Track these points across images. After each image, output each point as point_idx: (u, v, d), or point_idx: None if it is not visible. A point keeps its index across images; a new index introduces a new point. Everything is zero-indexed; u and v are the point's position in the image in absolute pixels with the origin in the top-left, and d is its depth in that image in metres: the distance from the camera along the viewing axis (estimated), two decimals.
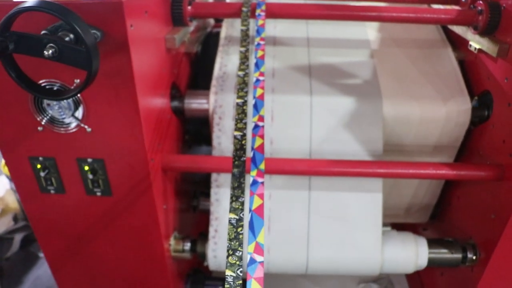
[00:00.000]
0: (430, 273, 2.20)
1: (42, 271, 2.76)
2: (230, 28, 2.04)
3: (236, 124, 1.08)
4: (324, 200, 1.75)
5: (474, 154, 1.79)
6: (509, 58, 1.52)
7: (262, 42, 1.36)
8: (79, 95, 1.29)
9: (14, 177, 1.51)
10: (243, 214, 0.87)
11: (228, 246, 0.80)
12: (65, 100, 1.31)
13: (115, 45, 1.20)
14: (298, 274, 1.76)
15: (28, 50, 1.07)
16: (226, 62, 1.87)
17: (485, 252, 1.67)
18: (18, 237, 2.97)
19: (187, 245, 1.80)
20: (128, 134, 1.37)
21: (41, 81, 1.27)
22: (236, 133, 1.06)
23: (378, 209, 1.74)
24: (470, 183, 1.82)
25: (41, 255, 2.87)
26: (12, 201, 3.18)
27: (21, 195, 1.55)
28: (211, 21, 2.28)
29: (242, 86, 1.21)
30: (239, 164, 1.00)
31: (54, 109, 1.33)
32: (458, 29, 1.80)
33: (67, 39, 1.10)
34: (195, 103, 1.81)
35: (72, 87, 1.27)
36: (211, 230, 1.75)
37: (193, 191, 2.14)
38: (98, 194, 1.50)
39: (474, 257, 1.73)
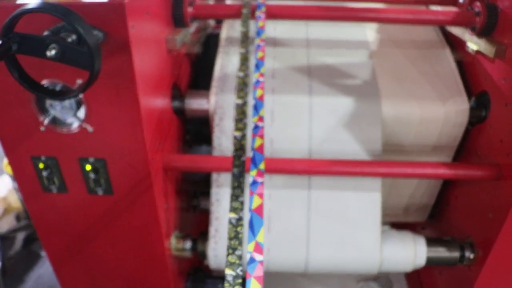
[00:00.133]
0: (429, 272, 2.21)
1: (44, 270, 2.77)
2: (230, 30, 2.05)
3: (236, 125, 1.09)
4: (324, 199, 1.76)
5: (472, 154, 1.80)
6: (506, 59, 1.53)
7: (262, 44, 1.36)
8: (81, 95, 1.31)
9: (16, 176, 1.52)
10: (243, 214, 0.88)
11: (228, 245, 0.81)
12: (67, 100, 1.33)
13: (117, 45, 1.21)
14: (298, 273, 1.77)
15: (31, 51, 1.08)
16: (226, 63, 1.88)
17: (483, 251, 1.68)
18: (20, 236, 2.99)
19: (188, 244, 1.81)
20: (130, 134, 1.38)
21: (43, 82, 1.28)
22: (236, 133, 1.07)
23: (377, 208, 1.75)
24: (468, 182, 1.83)
25: (43, 254, 2.88)
26: (15, 201, 3.20)
27: (23, 194, 1.56)
28: (212, 22, 2.29)
29: (242, 87, 1.22)
30: (239, 164, 1.01)
31: (57, 109, 1.34)
32: (456, 30, 1.82)
33: (69, 40, 1.11)
34: (195, 103, 1.82)
35: (74, 87, 1.28)
36: (212, 230, 1.76)
37: (194, 191, 2.15)
38: (100, 193, 1.51)
39: (472, 256, 1.74)
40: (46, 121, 1.37)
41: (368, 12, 1.70)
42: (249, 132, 1.07)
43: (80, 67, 1.09)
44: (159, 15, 1.50)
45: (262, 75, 1.22)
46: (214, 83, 1.81)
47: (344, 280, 2.46)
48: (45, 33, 1.13)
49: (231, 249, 0.80)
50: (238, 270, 0.77)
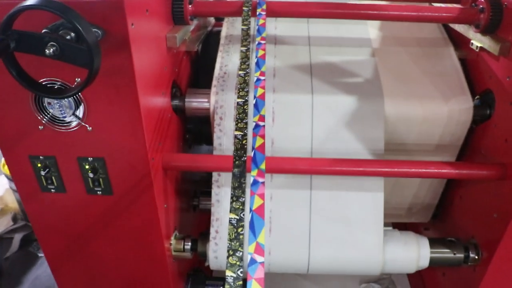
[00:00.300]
0: (432, 273, 2.20)
1: (41, 271, 2.75)
2: (230, 28, 2.04)
3: (236, 124, 1.08)
4: (326, 199, 1.74)
5: (476, 153, 1.78)
6: (511, 56, 1.52)
7: (263, 42, 1.35)
8: (80, 93, 1.29)
9: (14, 176, 1.50)
10: (243, 214, 0.87)
11: (228, 247, 0.80)
12: (66, 99, 1.31)
13: (116, 43, 1.20)
14: (299, 274, 1.76)
15: (29, 49, 1.07)
16: (226, 61, 1.87)
17: (487, 251, 1.66)
18: (17, 237, 2.98)
19: (188, 245, 1.79)
20: (129, 133, 1.36)
21: (42, 80, 1.27)
22: (237, 132, 1.06)
23: (379, 208, 1.73)
24: (472, 182, 1.81)
25: (41, 254, 2.86)
26: (12, 201, 3.18)
27: (21, 194, 1.54)
28: (212, 20, 2.27)
29: (243, 86, 1.20)
30: (240, 164, 0.99)
31: (55, 107, 1.32)
32: (459, 28, 1.80)
33: (68, 37, 1.10)
34: (195, 102, 1.80)
35: (73, 86, 1.26)
36: (212, 231, 1.75)
37: (194, 191, 2.14)
38: (99, 193, 1.49)
39: (476, 257, 1.72)
40: (44, 120, 1.35)
41: (370, 10, 1.69)
42: (249, 131, 1.05)
43: (79, 65, 1.08)
44: (159, 12, 1.49)
45: (263, 73, 1.21)
46: (215, 82, 1.79)
47: (346, 281, 2.45)
48: (44, 30, 1.11)
49: (232, 251, 0.79)
50: (239, 272, 0.76)
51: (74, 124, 1.36)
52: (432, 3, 1.95)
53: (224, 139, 1.76)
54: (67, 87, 1.27)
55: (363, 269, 1.77)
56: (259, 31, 1.42)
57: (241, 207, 0.89)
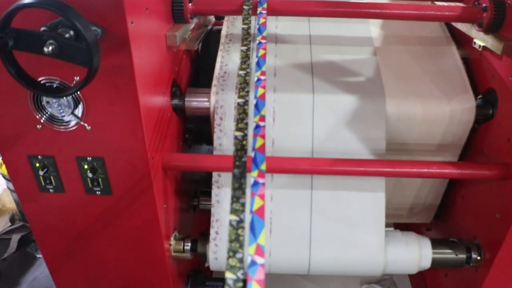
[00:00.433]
0: (434, 274, 2.19)
1: (39, 272, 2.75)
2: (231, 27, 2.03)
3: (237, 124, 1.07)
4: (327, 199, 1.73)
5: (479, 152, 1.77)
6: None
7: (263, 41, 1.34)
8: (78, 92, 1.28)
9: (12, 176, 1.49)
10: (243, 216, 0.86)
11: (228, 248, 0.79)
12: (64, 98, 1.30)
13: (116, 42, 1.19)
14: (300, 275, 1.75)
15: (27, 47, 1.06)
16: (227, 61, 1.86)
17: (490, 252, 1.65)
18: (15, 238, 2.97)
19: (188, 245, 1.78)
20: (129, 132, 1.35)
21: (40, 78, 1.25)
22: (237, 133, 1.05)
23: (380, 209, 1.72)
24: (475, 182, 1.80)
25: (39, 255, 2.85)
26: (9, 201, 3.18)
27: (19, 194, 1.53)
28: (212, 19, 2.26)
29: (243, 86, 1.19)
30: (240, 165, 0.98)
31: (54, 107, 1.31)
32: (462, 27, 1.79)
33: (67, 35, 1.09)
34: (195, 101, 1.79)
35: (72, 85, 1.25)
36: (212, 232, 1.74)
37: (194, 191, 2.13)
38: (98, 193, 1.48)
39: (478, 258, 1.71)
40: (43, 119, 1.34)
41: (372, 8, 1.68)
42: (250, 132, 1.04)
43: (78, 64, 1.07)
44: (158, 11, 1.48)
45: (263, 73, 1.20)
46: (215, 82, 1.78)
47: (347, 282, 2.45)
48: (42, 28, 1.10)
49: (232, 252, 0.78)
50: (239, 274, 0.75)
51: (73, 123, 1.34)
52: (435, 2, 1.94)
53: (224, 139, 1.75)
54: (66, 86, 1.26)
55: (364, 269, 1.76)
56: (259, 30, 1.41)
57: (241, 208, 0.87)
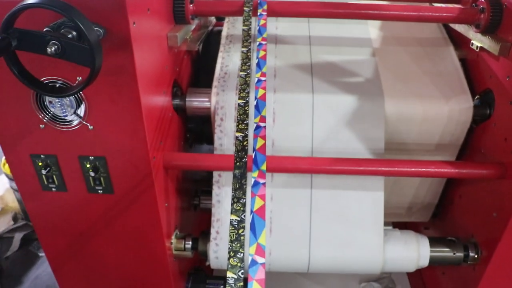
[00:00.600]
0: (432, 272, 2.20)
1: (41, 270, 2.76)
2: (231, 28, 2.04)
3: (237, 125, 1.08)
4: (326, 198, 1.74)
5: (476, 152, 1.79)
6: (510, 56, 1.52)
7: (264, 42, 1.35)
8: (81, 92, 1.29)
9: (15, 175, 1.50)
10: (244, 216, 0.87)
11: (229, 248, 0.80)
12: (67, 98, 1.31)
13: (118, 42, 1.20)
14: (299, 273, 1.76)
15: (31, 47, 1.07)
16: (227, 62, 1.87)
17: (487, 250, 1.66)
18: (17, 236, 2.98)
19: (189, 244, 1.79)
20: (130, 131, 1.36)
21: (43, 78, 1.27)
22: (238, 134, 1.06)
23: (379, 207, 1.74)
24: (472, 181, 1.82)
25: (41, 254, 2.86)
26: (12, 200, 3.18)
27: (22, 193, 1.54)
28: (213, 20, 2.27)
29: (243, 87, 1.20)
30: (241, 165, 0.99)
31: (56, 106, 1.33)
32: (460, 28, 1.80)
33: (70, 36, 1.10)
34: (196, 101, 1.80)
35: (74, 85, 1.26)
36: (213, 232, 1.75)
37: (194, 190, 2.14)
38: (100, 192, 1.50)
39: (476, 256, 1.73)
40: (45, 119, 1.35)
41: (371, 9, 1.69)
42: (250, 133, 1.05)
43: (81, 64, 1.08)
44: (160, 11, 1.49)
45: (264, 74, 1.21)
46: (215, 83, 1.79)
47: (346, 280, 2.46)
48: (45, 29, 1.11)
49: (233, 252, 0.79)
50: (240, 273, 0.76)
51: (75, 123, 1.36)
52: (433, 3, 1.95)
53: (225, 140, 1.76)
54: (69, 85, 1.27)
55: (363, 268, 1.77)
56: (260, 32, 1.42)
57: (242, 208, 0.89)
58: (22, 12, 1.02)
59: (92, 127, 1.36)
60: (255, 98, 1.13)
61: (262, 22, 1.49)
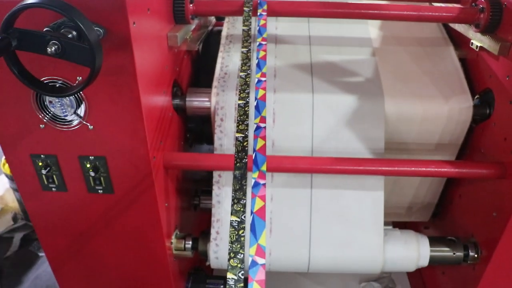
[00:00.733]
0: (432, 271, 2.20)
1: (41, 270, 2.76)
2: (231, 28, 2.04)
3: (237, 126, 1.08)
4: (326, 198, 1.74)
5: (476, 152, 1.79)
6: (510, 56, 1.52)
7: (264, 43, 1.35)
8: (81, 92, 1.29)
9: (15, 175, 1.50)
10: (244, 217, 0.87)
11: (229, 249, 0.80)
12: (67, 98, 1.31)
13: (118, 42, 1.20)
14: (299, 273, 1.76)
15: (31, 47, 1.07)
16: (227, 62, 1.87)
17: (486, 250, 1.66)
18: (17, 237, 2.98)
19: (189, 244, 1.79)
20: (130, 131, 1.36)
21: (43, 78, 1.27)
22: (238, 134, 1.06)
23: (379, 207, 1.74)
24: (472, 181, 1.82)
25: (41, 254, 2.87)
26: (12, 200, 3.18)
27: (22, 193, 1.54)
28: (213, 19, 2.27)
29: (244, 87, 1.20)
30: (241, 166, 0.99)
31: (56, 106, 1.33)
32: (459, 27, 1.80)
33: (70, 36, 1.10)
34: (196, 101, 1.80)
35: (75, 85, 1.26)
36: (213, 232, 1.75)
37: (194, 190, 2.14)
38: (100, 192, 1.50)
39: (476, 255, 1.73)
40: (45, 119, 1.35)
41: (371, 9, 1.69)
42: (251, 133, 1.05)
43: (81, 64, 1.08)
44: (160, 11, 1.49)
45: (264, 75, 1.21)
46: (215, 83, 1.79)
47: (346, 280, 2.46)
48: (45, 29, 1.12)
49: (233, 253, 0.79)
50: (240, 274, 0.76)
51: (75, 122, 1.36)
52: (432, 3, 1.95)
53: (225, 140, 1.76)
54: (69, 85, 1.27)
55: (363, 267, 1.77)
56: (260, 32, 1.42)
57: (242, 209, 0.89)
58: (22, 12, 1.02)
59: (92, 127, 1.36)
60: (255, 98, 1.13)
61: (262, 22, 1.49)
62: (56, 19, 1.13)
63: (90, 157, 1.42)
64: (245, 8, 1.62)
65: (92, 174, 1.44)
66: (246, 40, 1.41)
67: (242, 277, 0.75)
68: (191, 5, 1.64)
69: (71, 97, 1.31)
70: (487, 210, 1.65)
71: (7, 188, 3.17)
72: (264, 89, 1.16)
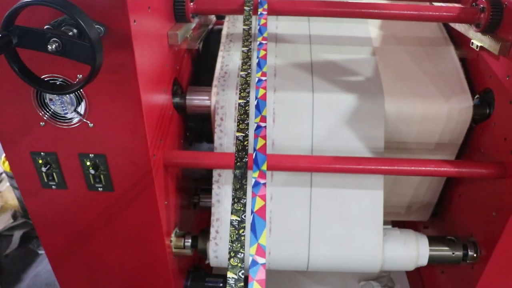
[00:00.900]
0: (431, 271, 2.20)
1: (41, 268, 2.76)
2: (231, 27, 2.04)
3: (238, 125, 1.08)
4: (326, 197, 1.75)
5: (476, 151, 1.79)
6: (510, 56, 1.52)
7: (264, 42, 1.35)
8: (81, 90, 1.29)
9: (15, 172, 1.50)
10: (245, 216, 0.87)
11: (229, 248, 0.80)
12: (67, 95, 1.31)
13: (118, 40, 1.20)
14: (299, 271, 1.77)
15: (31, 45, 1.07)
16: (227, 61, 1.87)
17: (486, 249, 1.67)
18: (17, 234, 2.98)
19: (188, 242, 1.79)
20: (130, 129, 1.36)
21: (44, 76, 1.27)
22: (238, 134, 1.06)
23: (379, 206, 1.74)
24: (471, 181, 1.82)
25: (40, 252, 2.87)
26: (12, 198, 3.19)
27: (22, 190, 1.54)
28: (213, 18, 2.28)
29: (244, 87, 1.20)
30: (241, 165, 0.99)
31: (57, 104, 1.33)
32: (460, 27, 1.80)
33: (70, 33, 1.10)
34: (196, 100, 1.81)
35: (75, 82, 1.27)
36: (212, 231, 1.75)
37: (194, 188, 2.14)
38: (100, 189, 1.50)
39: (475, 255, 1.73)
40: (46, 116, 1.35)
41: (371, 8, 1.69)
42: (251, 132, 1.05)
43: (81, 62, 1.08)
44: (160, 10, 1.49)
45: (264, 74, 1.21)
46: (215, 82, 1.79)
47: (345, 279, 2.46)
48: (46, 26, 1.12)
49: (233, 252, 0.79)
50: (240, 273, 0.76)
51: (75, 120, 1.36)
52: (433, 3, 1.95)
53: (225, 139, 1.76)
54: (69, 83, 1.28)
55: (362, 266, 1.77)
56: (260, 31, 1.42)
57: (242, 208, 0.89)
58: (23, 10, 1.02)
59: (92, 124, 1.36)
60: (256, 98, 1.13)
61: (262, 21, 1.49)
62: (56, 17, 1.13)
63: (90, 155, 1.42)
64: (245, 7, 1.61)
65: (92, 172, 1.44)
66: (247, 39, 1.41)
67: (242, 276, 0.75)
68: (191, 3, 1.64)
69: (71, 95, 1.31)
70: (486, 210, 1.65)
71: (7, 186, 3.18)
72: (265, 88, 1.16)
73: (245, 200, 0.90)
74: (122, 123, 1.35)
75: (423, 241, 1.79)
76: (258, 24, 1.47)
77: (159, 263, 1.71)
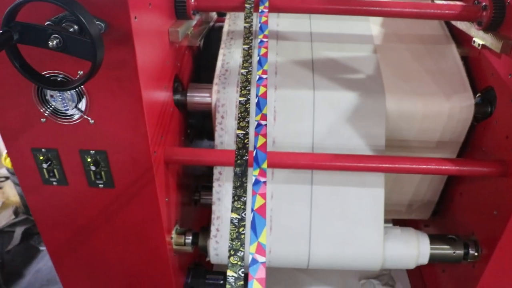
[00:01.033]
0: (432, 269, 2.20)
1: (42, 264, 2.77)
2: (232, 24, 2.04)
3: (238, 123, 1.08)
4: (326, 195, 1.75)
5: (477, 150, 1.79)
6: None
7: (265, 40, 1.35)
8: (82, 86, 1.29)
9: (16, 169, 1.50)
10: (245, 214, 0.87)
11: (229, 247, 0.79)
12: (68, 92, 1.31)
13: (119, 36, 1.20)
14: (299, 269, 1.76)
15: (32, 41, 1.07)
16: (228, 59, 1.87)
17: (487, 248, 1.66)
18: (19, 230, 2.99)
19: (189, 239, 1.79)
20: (131, 126, 1.36)
21: (45, 72, 1.27)
22: (239, 132, 1.06)
23: (380, 204, 1.74)
24: (473, 179, 1.82)
25: (42, 248, 2.88)
26: (13, 194, 3.19)
27: (23, 187, 1.54)
28: (214, 15, 2.27)
29: (245, 84, 1.20)
30: (242, 163, 0.99)
31: (57, 100, 1.33)
32: (461, 25, 1.80)
33: (71, 30, 1.10)
34: (197, 97, 1.81)
35: (76, 79, 1.27)
36: (213, 229, 1.75)
37: (195, 185, 2.14)
38: (101, 186, 1.50)
39: (476, 254, 1.73)
40: (46, 113, 1.35)
41: (372, 6, 1.68)
42: (251, 130, 1.05)
43: (82, 58, 1.08)
44: (161, 6, 1.49)
45: (265, 72, 1.21)
46: (216, 80, 1.79)
47: (346, 277, 2.45)
48: (47, 23, 1.11)
49: (233, 250, 0.79)
50: (240, 272, 0.76)
51: (76, 117, 1.36)
52: (435, 0, 1.95)
53: (225, 137, 1.76)
54: (70, 79, 1.27)
55: (363, 264, 1.77)
56: (261, 29, 1.41)
57: (242, 206, 0.88)
58: (24, 6, 1.02)
59: (93, 121, 1.36)
60: (256, 95, 1.13)
61: (263, 19, 1.49)
62: (57, 13, 1.13)
63: (91, 151, 1.42)
64: (246, 5, 1.61)
65: (93, 168, 1.44)
66: (248, 37, 1.41)
67: (242, 274, 0.75)
68: (192, 0, 1.64)
69: (72, 91, 1.31)
70: (487, 208, 1.65)
71: (8, 183, 3.18)
72: (265, 86, 1.16)
73: (245, 198, 0.90)
74: (123, 120, 1.35)
75: (424, 240, 1.79)
76: (259, 22, 1.47)
77: (160, 260, 1.71)
